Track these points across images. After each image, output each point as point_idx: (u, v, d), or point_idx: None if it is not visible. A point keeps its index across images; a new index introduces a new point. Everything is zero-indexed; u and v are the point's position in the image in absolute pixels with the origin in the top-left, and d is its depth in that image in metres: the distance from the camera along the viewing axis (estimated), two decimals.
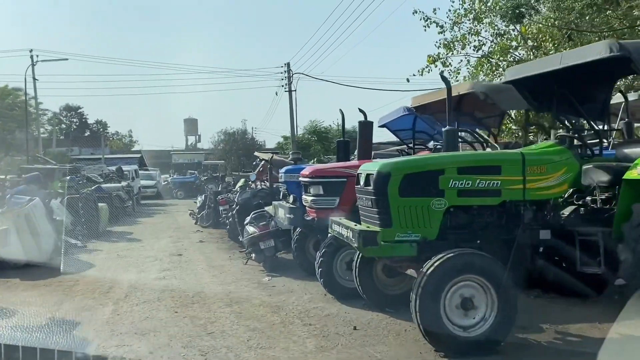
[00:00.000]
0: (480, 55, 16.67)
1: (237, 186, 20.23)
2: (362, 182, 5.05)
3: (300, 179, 7.13)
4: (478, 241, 4.77)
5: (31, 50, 27.21)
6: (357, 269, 5.68)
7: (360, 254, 5.51)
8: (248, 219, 8.50)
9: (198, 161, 41.86)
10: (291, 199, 6.93)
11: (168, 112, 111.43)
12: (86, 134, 58.46)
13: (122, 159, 37.26)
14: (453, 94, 6.66)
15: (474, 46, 16.53)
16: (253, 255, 8.25)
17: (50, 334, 5.09)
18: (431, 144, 8.93)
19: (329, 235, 6.33)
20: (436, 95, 7.32)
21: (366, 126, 7.56)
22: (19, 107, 34.37)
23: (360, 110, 7.66)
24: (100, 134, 52.26)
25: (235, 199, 10.62)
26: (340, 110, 8.87)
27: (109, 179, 21.41)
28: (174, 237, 12.90)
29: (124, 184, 21.31)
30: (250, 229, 8.22)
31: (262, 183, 12.65)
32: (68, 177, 17.15)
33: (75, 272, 8.32)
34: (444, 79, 5.79)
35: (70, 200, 13.42)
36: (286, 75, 25.71)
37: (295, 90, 25.44)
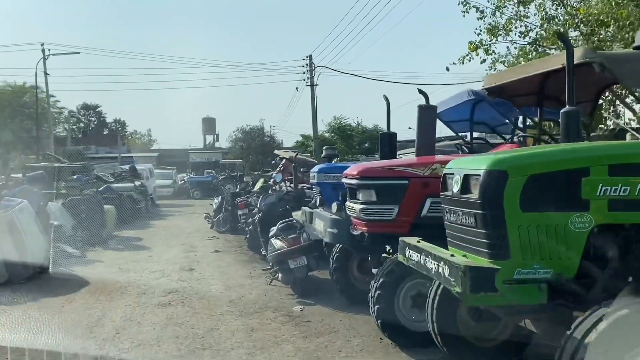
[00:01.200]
0: (527, 42, 14.72)
1: (256, 186, 18.70)
2: (455, 187, 3.30)
3: (344, 180, 5.39)
4: None
5: (42, 44, 25.89)
6: (433, 308, 3.93)
7: (440, 287, 3.78)
8: (274, 229, 6.77)
9: (215, 160, 40.33)
10: (334, 207, 5.16)
11: (186, 110, 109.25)
12: (105, 133, 57.49)
13: (140, 157, 35.88)
14: (545, 68, 4.93)
15: (520, 32, 14.60)
16: (279, 275, 6.54)
17: None
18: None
19: (388, 258, 4.61)
20: (520, 72, 5.50)
21: (428, 112, 5.76)
22: (34, 105, 33.38)
23: (421, 92, 5.87)
24: (117, 132, 51.18)
25: (257, 204, 8.90)
26: (385, 96, 7.11)
27: (121, 179, 19.92)
28: (186, 244, 11.24)
29: (137, 183, 19.82)
30: (277, 242, 6.49)
31: (286, 184, 10.94)
32: (75, 177, 15.70)
33: (61, 293, 6.69)
34: (562, 39, 3.97)
35: (72, 202, 11.89)
36: (308, 68, 23.91)
37: (317, 85, 23.70)
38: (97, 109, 58.56)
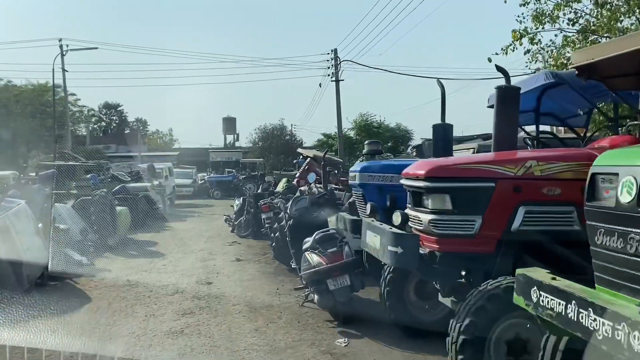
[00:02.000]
0: (577, 30, 13.25)
1: (278, 187, 17.60)
2: (624, 195, 2.04)
3: (405, 182, 4.15)
4: None
5: (60, 40, 25.08)
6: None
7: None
8: (309, 241, 5.53)
9: (236, 159, 39.41)
10: (397, 217, 3.90)
11: (206, 109, 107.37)
12: (126, 132, 57.10)
13: (160, 156, 35.06)
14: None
15: (569, 19, 13.14)
16: (315, 296, 5.31)
17: None
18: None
19: (466, 284, 3.40)
20: (623, 45, 4.17)
21: (510, 94, 4.46)
22: (55, 104, 32.90)
23: (500, 69, 4.57)
24: (137, 131, 50.64)
25: (284, 208, 7.67)
26: (439, 81, 5.81)
27: (138, 178, 18.96)
28: (205, 250, 10.11)
29: (155, 182, 18.84)
30: (314, 258, 5.26)
31: (315, 186, 9.73)
32: (88, 176, 14.74)
33: (55, 313, 5.58)
34: None
35: (82, 204, 10.87)
36: (332, 63, 22.61)
37: (342, 80, 22.35)
38: (119, 108, 58.27)
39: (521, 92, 5.84)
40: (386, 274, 4.73)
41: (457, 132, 6.76)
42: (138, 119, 61.13)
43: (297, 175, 16.39)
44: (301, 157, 23.51)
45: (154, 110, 78.56)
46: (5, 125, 35.01)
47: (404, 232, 3.83)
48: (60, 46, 25.16)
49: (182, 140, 68.30)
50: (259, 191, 12.74)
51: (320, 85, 25.39)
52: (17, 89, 36.62)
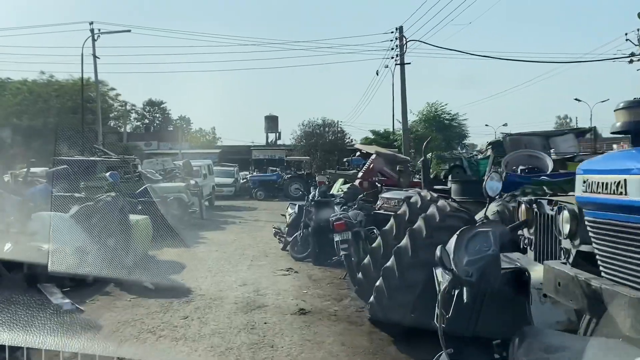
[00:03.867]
0: None
1: (334, 188, 14.42)
2: None
3: None
4: None
5: (91, 23, 22.41)
6: None
7: None
8: None
9: (279, 157, 36.33)
10: None
11: (248, 103, 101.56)
12: (169, 129, 55.18)
13: (201, 154, 32.30)
14: None
15: None
16: None
17: None
18: None
19: None
20: None
21: None
22: (94, 99, 30.82)
23: None
24: (179, 128, 48.49)
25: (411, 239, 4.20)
26: None
27: (172, 177, 16.00)
28: (248, 285, 6.79)
29: (192, 182, 15.84)
30: None
31: (425, 192, 6.24)
32: (108, 174, 11.78)
33: None
34: None
35: (84, 212, 7.78)
36: (397, 43, 18.87)
37: (409, 63, 18.60)
38: (162, 105, 56.51)
39: None
40: None
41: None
42: (181, 116, 59.31)
43: (359, 176, 12.98)
44: (357, 154, 19.98)
45: (197, 106, 74.92)
46: (44, 121, 33.36)
47: None
48: (91, 30, 22.56)
49: (225, 138, 65.50)
50: (319, 198, 9.36)
51: (377, 73, 21.80)
52: (57, 83, 34.90)
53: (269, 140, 63.77)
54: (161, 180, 14.39)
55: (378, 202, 7.81)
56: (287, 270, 7.63)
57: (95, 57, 22.69)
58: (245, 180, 28.00)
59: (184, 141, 44.55)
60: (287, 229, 9.37)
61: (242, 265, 8.17)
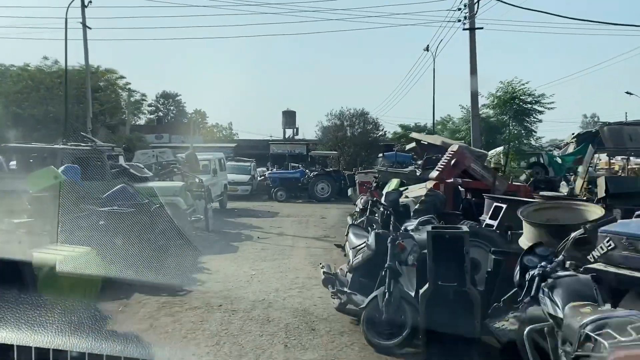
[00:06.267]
0: None
1: (385, 190, 10.43)
2: None
3: None
4: None
5: None
6: None
7: None
8: None
9: (299, 152, 32.19)
10: None
11: (265, 98, 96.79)
12: (184, 122, 51.50)
13: (216, 148, 28.26)
14: None
15: None
16: None
17: None
18: None
19: None
20: None
21: None
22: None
23: None
24: (192, 120, 44.67)
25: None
26: None
27: (168, 172, 11.97)
28: None
29: (196, 180, 11.85)
30: None
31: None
32: (62, 168, 7.77)
33: None
34: None
35: None
36: (465, 2, 14.46)
37: (482, 28, 14.09)
38: (177, 98, 52.84)
39: None
40: None
41: None
42: (197, 110, 55.59)
43: (433, 176, 8.80)
44: (415, 148, 15.53)
45: (214, 101, 70.41)
46: (44, 109, 29.98)
47: None
48: None
49: (242, 133, 61.30)
50: (391, 207, 5.07)
51: (426, 49, 17.47)
52: (62, 70, 31.38)
53: (287, 136, 59.82)
54: (152, 177, 10.39)
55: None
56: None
57: (85, 26, 18.60)
58: (262, 177, 23.76)
59: (199, 134, 40.77)
60: (347, 273, 5.15)
61: (273, 346, 4.05)
